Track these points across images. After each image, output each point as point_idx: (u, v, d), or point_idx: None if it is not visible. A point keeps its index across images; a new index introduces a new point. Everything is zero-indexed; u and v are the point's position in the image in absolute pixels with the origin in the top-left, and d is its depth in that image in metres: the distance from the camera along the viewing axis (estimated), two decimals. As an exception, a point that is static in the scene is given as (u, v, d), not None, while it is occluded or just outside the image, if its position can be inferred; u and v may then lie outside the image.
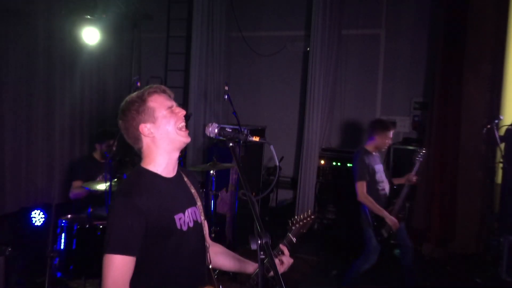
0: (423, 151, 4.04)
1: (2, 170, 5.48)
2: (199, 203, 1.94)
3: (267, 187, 6.41)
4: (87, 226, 3.41)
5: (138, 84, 4.30)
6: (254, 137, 1.80)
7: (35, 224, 5.20)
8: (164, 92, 1.85)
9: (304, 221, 2.17)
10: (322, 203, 6.44)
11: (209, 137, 1.91)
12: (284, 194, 7.05)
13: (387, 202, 3.98)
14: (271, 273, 1.96)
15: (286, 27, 7.22)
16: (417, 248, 5.29)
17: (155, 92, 1.83)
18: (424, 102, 6.29)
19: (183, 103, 7.74)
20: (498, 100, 5.38)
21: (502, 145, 4.85)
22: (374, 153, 4.06)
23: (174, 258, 1.77)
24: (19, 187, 5.70)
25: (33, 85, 5.81)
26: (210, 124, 1.83)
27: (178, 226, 1.77)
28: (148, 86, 1.85)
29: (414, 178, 4.01)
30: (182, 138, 1.83)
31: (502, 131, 4.94)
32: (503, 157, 4.77)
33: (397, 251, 5.16)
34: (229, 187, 5.42)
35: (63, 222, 3.44)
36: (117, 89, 7.32)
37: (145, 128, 1.79)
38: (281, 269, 2.08)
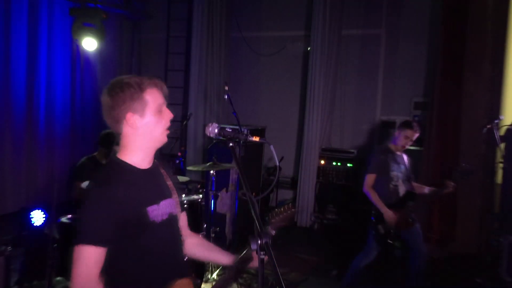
0: (467, 168, 4.04)
1: (3, 170, 5.48)
2: (175, 195, 1.90)
3: (267, 187, 6.40)
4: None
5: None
6: (254, 137, 1.80)
7: (35, 224, 5.19)
8: (161, 89, 1.83)
9: (284, 213, 2.13)
10: (322, 203, 6.43)
11: (209, 137, 1.91)
12: (284, 194, 7.05)
13: (398, 202, 3.96)
14: (248, 264, 2.00)
15: (286, 27, 7.22)
16: (425, 252, 5.30)
17: (155, 86, 1.80)
18: (424, 102, 6.29)
19: (183, 103, 7.74)
20: (498, 100, 5.37)
21: (502, 145, 4.85)
22: (398, 153, 4.06)
23: (147, 251, 1.74)
24: (19, 187, 5.70)
25: (33, 85, 5.82)
26: (210, 124, 1.83)
27: (151, 219, 1.74)
28: (148, 77, 1.81)
29: (452, 185, 3.98)
30: (164, 139, 1.82)
31: (502, 131, 4.93)
32: (503, 157, 4.77)
33: (397, 251, 5.16)
34: (229, 187, 5.42)
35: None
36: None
37: (132, 118, 1.74)
38: (256, 263, 2.01)
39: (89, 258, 1.61)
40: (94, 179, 1.76)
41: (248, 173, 6.03)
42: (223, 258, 2.08)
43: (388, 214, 3.84)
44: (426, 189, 4.14)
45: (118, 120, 1.75)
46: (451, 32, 5.48)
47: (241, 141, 1.81)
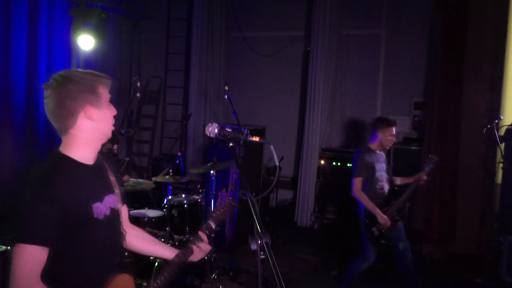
0: (435, 158, 4.11)
1: (2, 170, 5.48)
2: (117, 190, 1.89)
3: (267, 187, 6.40)
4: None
5: (138, 84, 4.31)
6: (254, 137, 1.81)
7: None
8: (108, 85, 1.82)
9: (225, 208, 2.21)
10: (322, 203, 6.43)
11: (209, 137, 1.91)
12: (284, 194, 7.04)
13: (385, 201, 3.97)
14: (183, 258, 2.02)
15: (286, 27, 7.22)
16: (417, 248, 5.29)
17: (105, 83, 1.80)
18: (424, 102, 6.29)
19: (183, 103, 7.75)
20: (498, 100, 5.38)
21: (502, 145, 4.85)
22: (378, 152, 4.07)
23: (90, 247, 1.73)
24: (19, 187, 5.69)
25: (33, 85, 5.82)
26: (210, 124, 1.83)
27: (95, 215, 1.72)
28: (95, 72, 1.80)
29: (424, 177, 4.03)
30: (110, 134, 1.84)
31: (502, 131, 4.93)
32: (503, 157, 4.77)
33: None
34: (229, 187, 5.42)
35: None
36: (117, 89, 7.32)
37: (90, 110, 1.71)
38: (198, 255, 2.09)
39: (31, 257, 1.57)
40: (36, 174, 1.68)
41: (248, 173, 6.04)
42: (165, 251, 2.10)
43: (382, 216, 3.84)
44: (398, 180, 4.18)
45: (72, 113, 1.70)
46: (451, 32, 5.48)
47: (241, 141, 1.82)
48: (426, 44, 6.36)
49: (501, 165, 4.98)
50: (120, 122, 5.47)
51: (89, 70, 1.81)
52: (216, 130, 1.80)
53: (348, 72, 6.79)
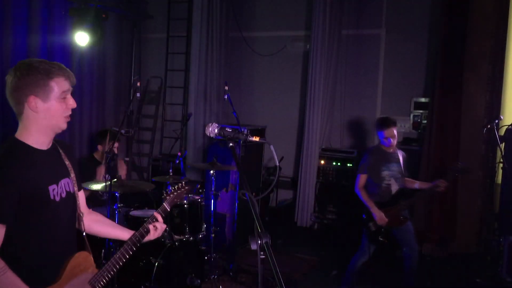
0: (461, 166, 4.03)
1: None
2: (72, 174, 2.00)
3: (267, 187, 6.40)
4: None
5: (138, 84, 4.30)
6: (254, 137, 1.80)
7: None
8: (69, 78, 1.86)
9: (178, 191, 2.34)
10: (322, 203, 6.44)
11: (209, 137, 1.91)
12: (284, 194, 7.05)
13: (391, 200, 3.98)
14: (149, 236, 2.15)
15: (286, 27, 7.22)
16: (417, 248, 5.29)
17: (62, 75, 1.83)
18: (424, 102, 6.29)
19: (183, 103, 7.75)
20: (498, 100, 5.37)
21: (502, 145, 4.85)
22: (390, 151, 4.08)
23: (48, 227, 1.84)
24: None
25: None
26: (210, 124, 1.83)
27: (52, 197, 1.84)
28: (56, 65, 1.84)
29: (444, 184, 3.93)
30: (63, 126, 1.89)
31: (502, 131, 4.93)
32: (503, 157, 4.76)
33: (398, 252, 5.16)
34: (229, 187, 5.42)
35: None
36: (117, 89, 7.32)
37: (33, 102, 1.78)
38: (155, 234, 2.18)
39: None
40: None
41: (248, 173, 6.04)
42: (122, 233, 2.20)
43: (378, 215, 3.89)
44: (417, 184, 4.16)
45: (20, 102, 1.80)
46: (451, 32, 5.47)
47: (241, 141, 1.82)
48: (426, 44, 6.36)
49: (501, 165, 4.98)
50: (120, 122, 5.48)
51: (48, 61, 1.84)
52: (216, 130, 1.81)
53: (348, 72, 6.79)
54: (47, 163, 1.87)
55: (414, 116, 6.44)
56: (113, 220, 3.53)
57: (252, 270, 4.67)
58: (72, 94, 1.92)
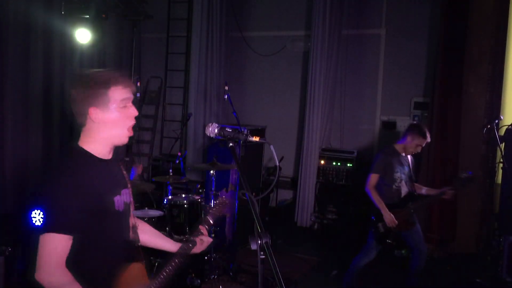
0: (470, 175, 4.03)
1: (3, 170, 5.48)
2: (129, 184, 1.99)
3: (267, 187, 6.40)
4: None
5: (138, 84, 4.30)
6: (254, 137, 1.80)
7: (35, 224, 5.19)
8: (128, 86, 1.82)
9: (220, 205, 2.36)
10: (322, 203, 6.44)
11: (209, 137, 1.91)
12: (284, 194, 7.05)
13: (400, 202, 3.97)
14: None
15: (286, 27, 7.22)
16: (426, 250, 5.30)
17: (120, 84, 1.79)
18: (424, 102, 6.29)
19: (183, 103, 7.75)
20: (498, 100, 5.37)
21: (502, 145, 4.85)
22: (403, 154, 4.06)
23: (109, 238, 1.82)
24: (19, 187, 5.70)
25: (33, 85, 5.82)
26: (210, 124, 1.83)
27: (116, 207, 1.81)
28: (115, 73, 1.81)
29: (450, 192, 3.96)
30: (125, 139, 1.84)
31: (502, 131, 4.93)
32: (503, 157, 4.77)
33: (402, 251, 5.16)
34: (229, 187, 5.42)
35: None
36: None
37: (94, 113, 1.76)
38: (201, 247, 2.16)
39: (58, 246, 1.64)
40: (58, 165, 1.79)
41: (248, 173, 6.04)
42: (169, 245, 2.19)
43: (388, 216, 3.84)
44: (424, 190, 4.16)
45: (82, 113, 1.78)
46: (451, 32, 5.47)
47: (241, 141, 1.82)
48: (426, 44, 6.36)
49: (501, 165, 4.98)
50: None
51: (107, 71, 1.83)
52: (216, 130, 1.80)
53: (348, 72, 6.79)
54: (111, 173, 1.85)
55: (414, 116, 6.44)
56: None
57: (252, 270, 4.67)
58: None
